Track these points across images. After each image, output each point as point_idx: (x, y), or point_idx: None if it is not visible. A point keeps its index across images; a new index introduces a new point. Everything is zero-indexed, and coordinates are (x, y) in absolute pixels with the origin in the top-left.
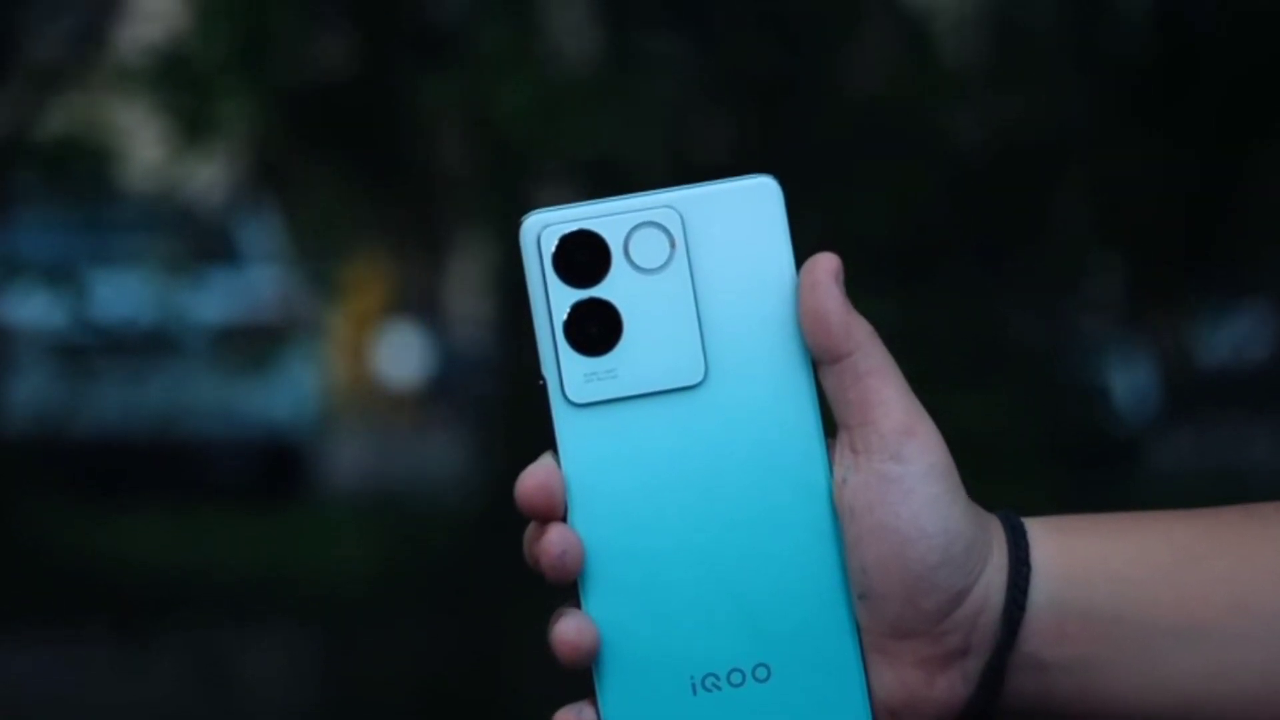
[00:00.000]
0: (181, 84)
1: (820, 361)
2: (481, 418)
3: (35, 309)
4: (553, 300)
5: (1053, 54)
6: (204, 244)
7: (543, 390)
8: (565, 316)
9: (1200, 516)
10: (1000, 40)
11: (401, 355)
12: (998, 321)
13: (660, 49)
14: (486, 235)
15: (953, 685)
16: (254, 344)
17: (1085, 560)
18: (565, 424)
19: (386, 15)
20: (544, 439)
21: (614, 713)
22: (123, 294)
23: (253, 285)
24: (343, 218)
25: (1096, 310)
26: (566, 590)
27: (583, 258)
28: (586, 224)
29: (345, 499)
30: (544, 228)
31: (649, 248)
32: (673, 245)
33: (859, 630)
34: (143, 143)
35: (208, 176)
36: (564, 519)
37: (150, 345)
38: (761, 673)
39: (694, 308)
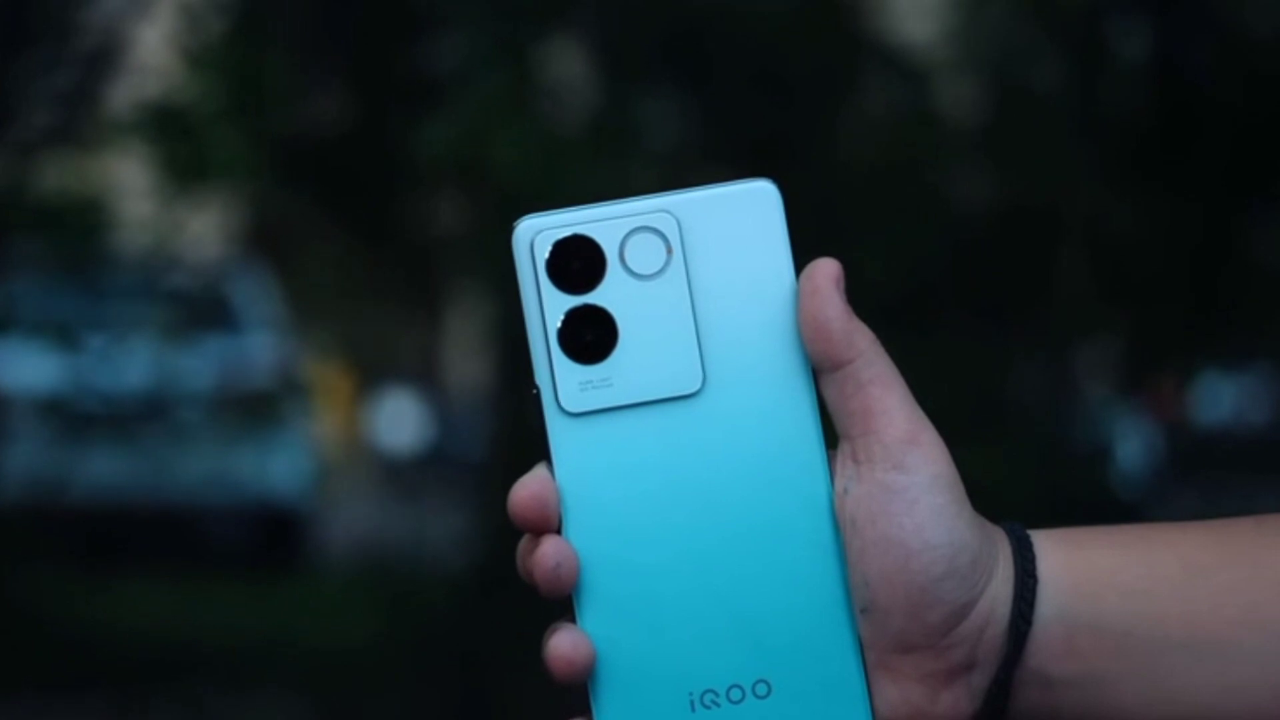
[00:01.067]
0: (175, 135)
1: (821, 369)
2: (478, 483)
3: (30, 374)
4: (546, 307)
5: (1053, 113)
6: (200, 310)
7: (536, 399)
8: (559, 324)
9: (1210, 528)
10: (1001, 100)
11: (397, 422)
12: (1000, 377)
13: (658, 102)
14: (483, 290)
15: (957, 701)
16: (250, 410)
17: (1094, 573)
18: (559, 434)
19: (381, 66)
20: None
21: None
22: (118, 360)
23: (249, 351)
24: (339, 280)
25: (1099, 369)
26: (562, 612)
27: (577, 263)
28: (581, 229)
29: (342, 566)
30: (537, 233)
31: (645, 253)
32: (669, 251)
33: (861, 645)
34: (139, 206)
35: (203, 241)
36: (558, 531)
37: (146, 411)
38: (761, 689)
39: (691, 315)
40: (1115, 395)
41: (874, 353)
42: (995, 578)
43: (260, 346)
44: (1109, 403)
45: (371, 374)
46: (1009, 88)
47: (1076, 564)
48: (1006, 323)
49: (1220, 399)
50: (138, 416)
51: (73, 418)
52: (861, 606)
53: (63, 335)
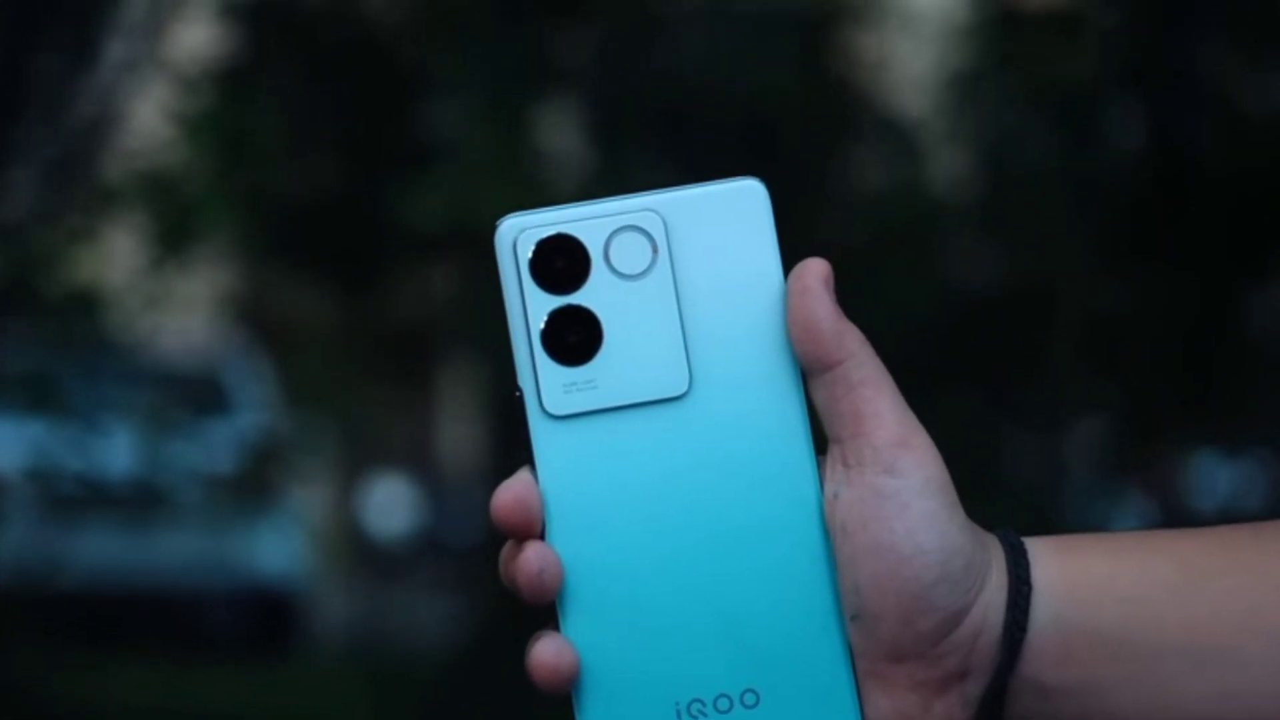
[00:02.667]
0: (164, 198)
1: (810, 371)
2: (470, 564)
3: (22, 455)
4: (529, 308)
5: (1048, 189)
6: (192, 392)
7: (519, 402)
8: (542, 325)
9: (1208, 534)
10: (995, 176)
11: (389, 507)
12: (991, 452)
13: (650, 167)
14: (476, 360)
15: (950, 710)
16: (242, 493)
17: (1090, 579)
18: (543, 437)
19: (372, 131)
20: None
21: None
22: (112, 442)
23: (241, 433)
24: (332, 361)
25: (1092, 447)
26: (546, 616)
27: (561, 263)
28: (565, 228)
29: (334, 649)
30: (520, 232)
31: (630, 253)
32: (655, 250)
33: (852, 653)
34: (132, 287)
35: (195, 323)
36: (541, 536)
37: (139, 494)
38: (749, 699)
39: (677, 315)
40: (1109, 474)
41: (864, 354)
42: (989, 584)
43: (253, 429)
44: (1102, 481)
45: (364, 458)
46: (1003, 164)
47: (1072, 570)
48: (999, 397)
49: (1216, 483)
50: (130, 499)
51: (66, 500)
52: (852, 613)
53: (48, 397)
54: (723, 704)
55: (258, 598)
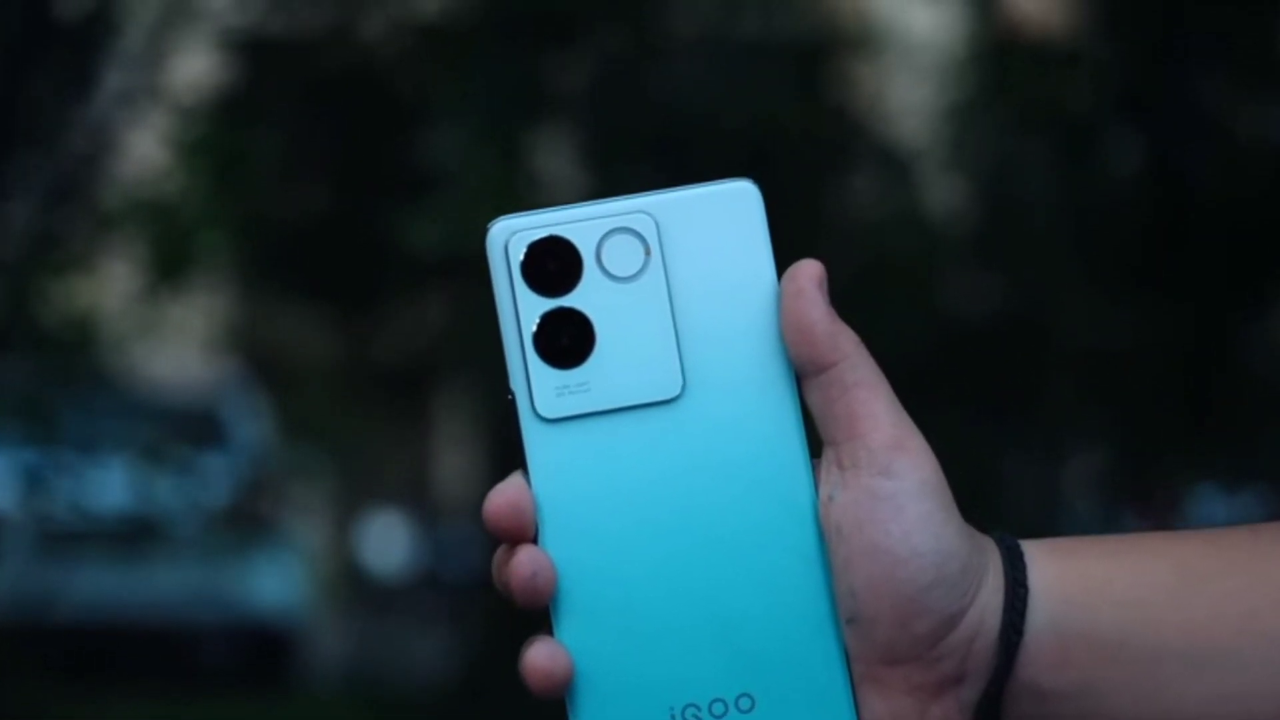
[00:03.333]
0: (160, 223)
1: (804, 373)
2: (466, 601)
3: (19, 491)
4: (521, 310)
5: (1046, 219)
6: (189, 427)
7: (511, 404)
8: (534, 327)
9: (1205, 537)
10: (993, 205)
11: (386, 542)
12: (989, 482)
13: (645, 189)
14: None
15: (947, 715)
16: (238, 528)
17: (1087, 582)
18: (535, 440)
19: (369, 158)
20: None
21: None
22: (107, 477)
23: (238, 468)
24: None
25: (1091, 477)
26: (538, 618)
27: (553, 265)
28: (557, 230)
29: (330, 685)
30: (512, 234)
31: (622, 255)
32: (647, 252)
33: (847, 657)
34: (129, 321)
35: (192, 356)
36: (534, 540)
37: (135, 528)
38: (745, 703)
39: (670, 318)
40: (1107, 505)
41: (858, 356)
42: (985, 587)
43: (249, 463)
44: (1100, 513)
45: (361, 493)
46: (1000, 193)
47: (1069, 573)
48: (998, 427)
49: (1215, 515)
50: (127, 532)
51: (62, 533)
52: (848, 616)
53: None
54: (718, 708)
55: (254, 632)
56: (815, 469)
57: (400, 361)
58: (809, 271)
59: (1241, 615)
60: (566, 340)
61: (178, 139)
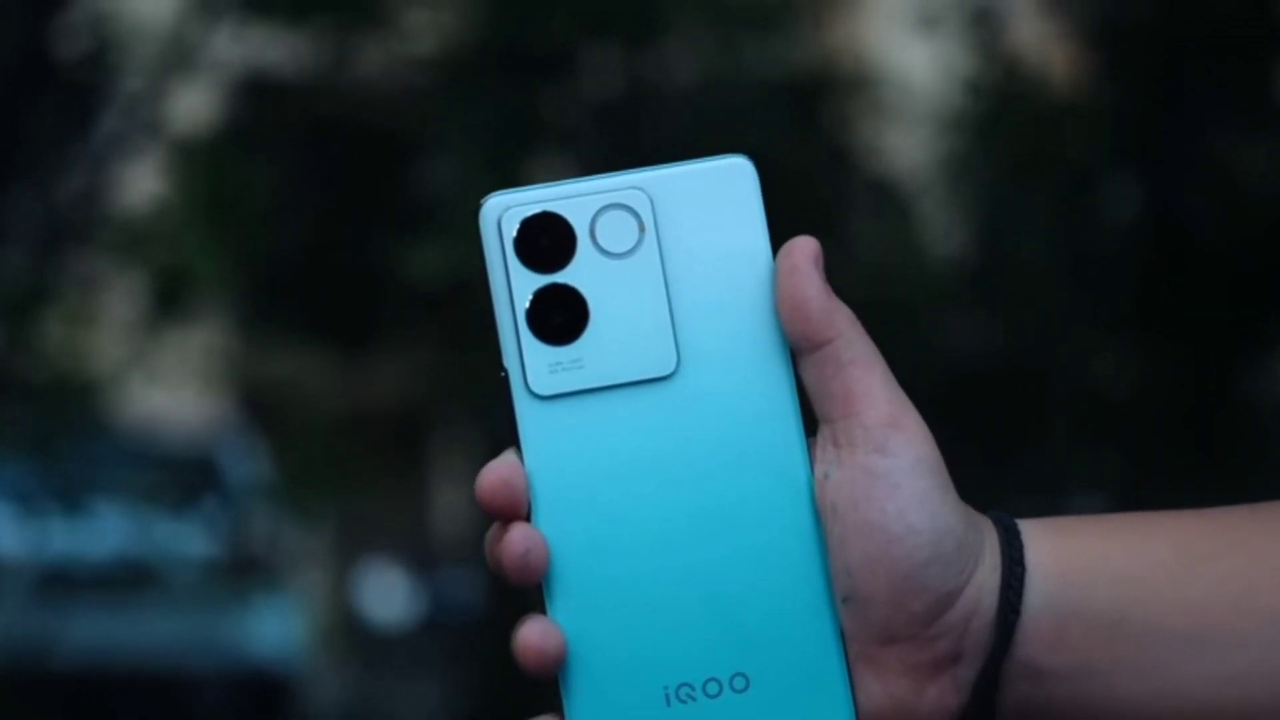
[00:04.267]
0: (158, 257)
1: (799, 351)
2: (462, 654)
3: (16, 539)
4: (514, 287)
5: (1046, 261)
6: (188, 475)
7: (504, 382)
8: (528, 304)
9: (1204, 516)
10: (992, 247)
11: (384, 591)
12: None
13: None
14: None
15: (943, 695)
16: (238, 575)
17: (1084, 560)
18: (528, 417)
19: (368, 189)
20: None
21: None
22: (106, 524)
23: (237, 516)
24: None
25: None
26: (531, 600)
27: (546, 242)
28: (550, 206)
29: None
30: (505, 210)
31: (616, 231)
32: (642, 228)
33: (843, 636)
34: (132, 374)
35: (191, 403)
36: (527, 518)
37: (134, 576)
38: (739, 682)
39: (664, 294)
40: None
41: (854, 333)
42: (982, 566)
43: (249, 512)
44: None
45: (359, 542)
46: (1000, 235)
47: (1066, 552)
48: (998, 469)
49: None
50: (124, 579)
51: (59, 580)
52: (843, 595)
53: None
54: (712, 688)
55: (252, 679)
56: (810, 447)
57: (398, 404)
58: (804, 248)
59: (1240, 594)
60: (560, 317)
61: (176, 174)
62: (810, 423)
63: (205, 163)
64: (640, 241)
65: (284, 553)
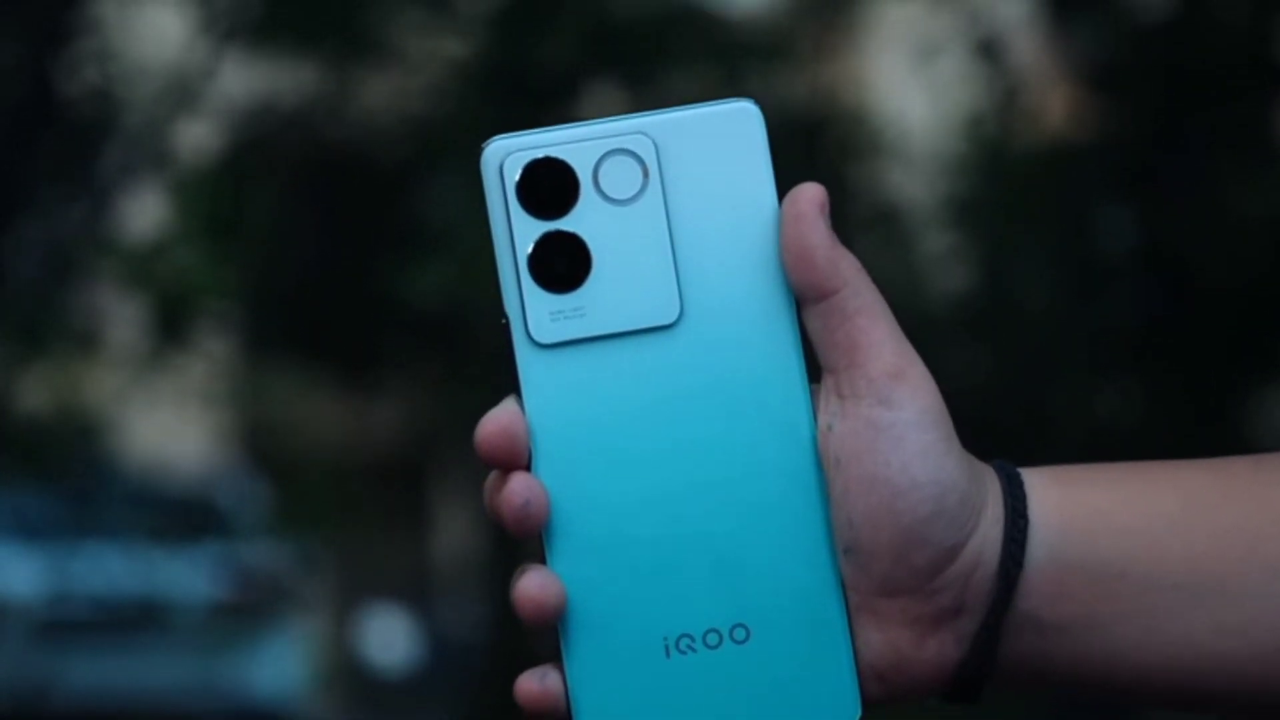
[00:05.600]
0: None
1: (804, 300)
2: (463, 699)
3: (17, 579)
4: (516, 233)
5: (1045, 301)
6: (190, 516)
7: (505, 329)
8: (529, 250)
9: (1207, 466)
10: (992, 286)
11: (386, 636)
12: None
13: None
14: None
15: (944, 647)
16: (240, 618)
17: (1087, 512)
18: (529, 366)
19: (368, 218)
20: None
21: (581, 677)
22: (108, 565)
23: (239, 558)
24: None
25: None
26: (533, 553)
27: (548, 187)
28: (553, 151)
29: None
30: (507, 155)
31: (620, 177)
32: (645, 174)
33: (844, 588)
34: (133, 414)
35: (193, 447)
36: (528, 467)
37: (135, 617)
38: (739, 634)
39: (668, 242)
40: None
41: (860, 282)
42: (985, 518)
43: (250, 553)
44: None
45: (361, 586)
46: (1000, 271)
47: (1069, 503)
48: None
49: None
50: (125, 621)
51: (60, 622)
52: (845, 547)
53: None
54: (712, 639)
55: None
56: (814, 396)
57: (398, 446)
58: (810, 195)
59: (1245, 545)
60: (562, 264)
61: (179, 201)
62: (814, 371)
63: (208, 190)
64: (644, 187)
65: (285, 594)
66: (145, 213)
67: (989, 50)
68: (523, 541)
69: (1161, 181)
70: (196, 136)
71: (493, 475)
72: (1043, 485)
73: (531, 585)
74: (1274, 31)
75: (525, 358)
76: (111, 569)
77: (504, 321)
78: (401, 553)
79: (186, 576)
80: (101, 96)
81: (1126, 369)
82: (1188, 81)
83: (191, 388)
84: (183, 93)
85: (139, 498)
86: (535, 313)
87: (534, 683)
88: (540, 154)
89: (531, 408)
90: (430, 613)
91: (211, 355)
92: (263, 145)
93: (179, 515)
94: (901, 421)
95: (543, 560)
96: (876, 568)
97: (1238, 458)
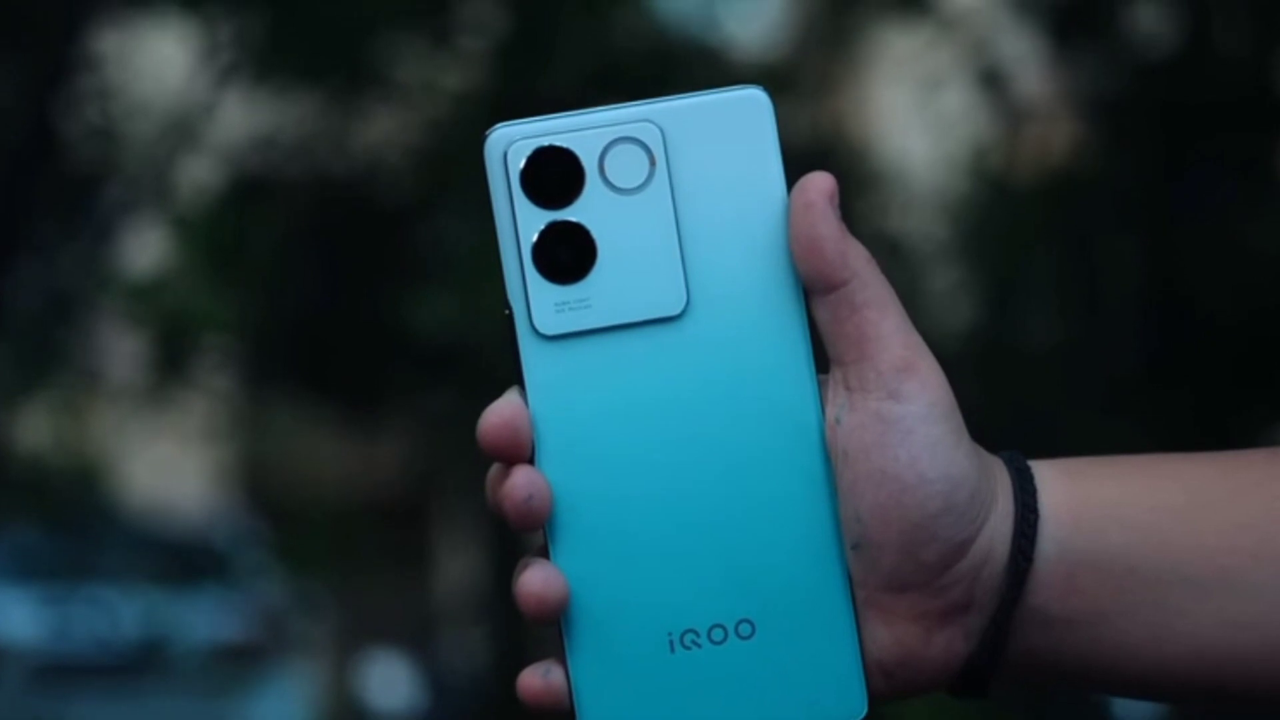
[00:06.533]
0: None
1: (812, 291)
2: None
3: (19, 624)
4: (520, 223)
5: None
6: (191, 560)
7: (509, 321)
8: (534, 240)
9: (1219, 459)
10: (996, 323)
11: (387, 682)
12: None
13: None
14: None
15: (952, 642)
16: (241, 662)
17: (1098, 506)
18: (533, 358)
19: (371, 247)
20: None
21: (584, 672)
22: (109, 609)
23: (240, 602)
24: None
25: None
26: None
27: (553, 176)
28: (558, 139)
29: None
30: (511, 143)
31: (626, 166)
32: (652, 163)
33: (851, 583)
34: (134, 454)
35: (195, 489)
36: (531, 461)
37: (136, 661)
38: (745, 629)
39: (675, 232)
40: None
41: (869, 274)
42: (994, 512)
43: (252, 596)
44: None
45: (362, 631)
46: (1005, 313)
47: (1079, 497)
48: None
49: None
50: (127, 665)
51: (62, 666)
52: (853, 542)
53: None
54: (717, 634)
55: None
56: (822, 389)
57: (400, 484)
58: (820, 184)
59: (1256, 539)
60: (567, 255)
61: (180, 236)
62: (822, 361)
63: (210, 225)
64: (650, 176)
65: (287, 637)
66: (147, 248)
67: (992, 82)
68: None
69: (1166, 215)
70: (198, 171)
71: (495, 468)
72: (1053, 478)
73: (534, 580)
74: (1278, 65)
75: (529, 350)
76: (112, 611)
77: (507, 312)
78: (403, 595)
79: (188, 619)
80: (102, 135)
81: (1133, 405)
82: (1192, 116)
83: (192, 426)
84: (184, 130)
85: (140, 539)
86: (539, 304)
87: (537, 678)
88: (545, 142)
89: (535, 400)
90: (432, 656)
91: (213, 391)
92: (265, 180)
93: (180, 557)
94: (910, 415)
95: (546, 555)
96: (884, 563)
97: (1249, 450)
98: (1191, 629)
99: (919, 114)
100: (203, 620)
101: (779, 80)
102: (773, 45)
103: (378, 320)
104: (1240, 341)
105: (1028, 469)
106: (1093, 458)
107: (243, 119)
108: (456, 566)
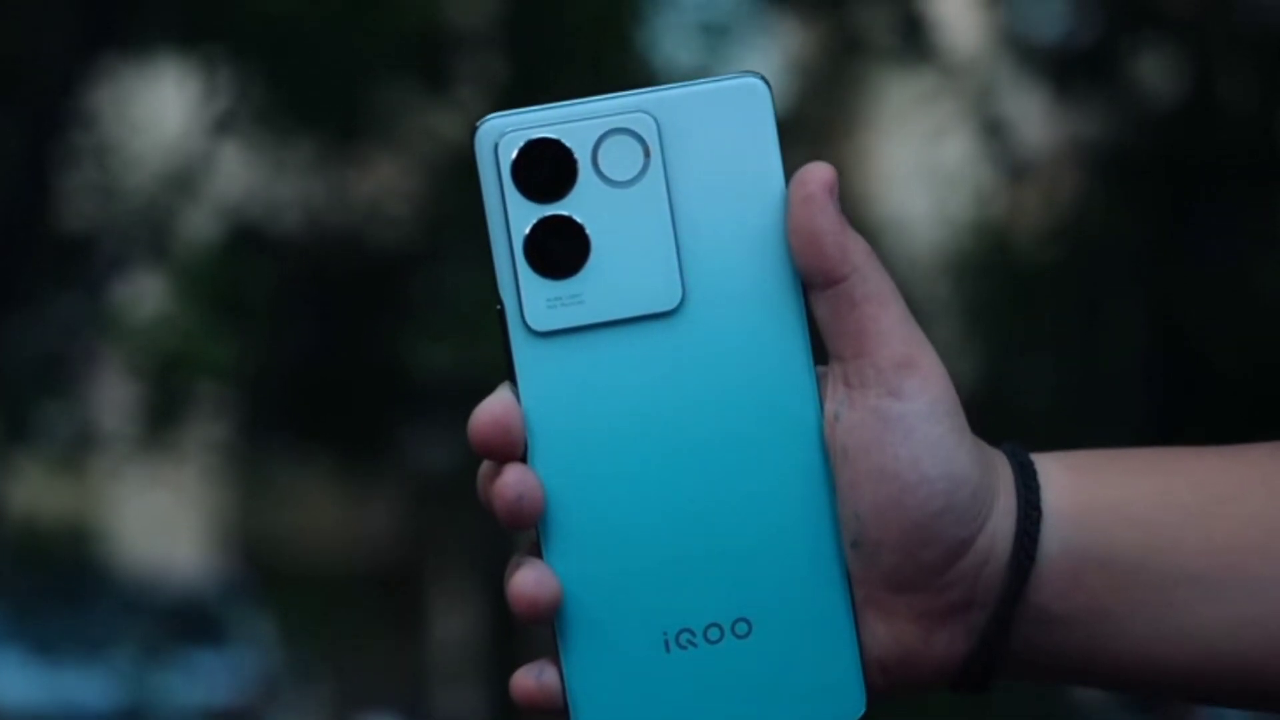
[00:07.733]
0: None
1: (811, 286)
2: None
3: (14, 689)
4: (511, 217)
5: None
6: (187, 626)
7: (500, 316)
8: (525, 235)
9: (1225, 454)
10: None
11: None
12: None
13: None
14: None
15: (952, 641)
16: None
17: (1102, 503)
18: (525, 354)
19: (370, 293)
20: None
21: (578, 673)
22: (102, 674)
23: (234, 667)
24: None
25: None
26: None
27: (545, 169)
28: (550, 131)
29: None
30: (502, 135)
31: (620, 157)
32: (647, 155)
33: (850, 581)
34: (128, 515)
35: (191, 551)
36: (523, 458)
37: None
38: (741, 628)
39: (670, 225)
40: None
41: (870, 268)
42: (996, 510)
43: (246, 661)
44: (1118, 709)
45: (357, 696)
46: (1009, 368)
47: (1084, 493)
48: None
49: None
50: None
51: None
52: (852, 541)
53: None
54: (713, 634)
55: None
56: (821, 385)
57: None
58: (819, 176)
59: (1263, 536)
60: (559, 249)
61: (176, 287)
62: (821, 355)
63: (207, 275)
64: (645, 168)
65: (281, 703)
66: (143, 298)
67: (995, 132)
68: (524, 640)
69: (1172, 267)
70: (196, 221)
71: (486, 466)
72: (1057, 473)
73: (526, 581)
74: None
75: (521, 346)
76: (106, 676)
77: (499, 308)
78: (398, 656)
79: (180, 682)
80: (99, 189)
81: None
82: (1197, 168)
83: (188, 476)
84: (182, 181)
85: (133, 601)
86: (531, 299)
87: (530, 679)
88: (537, 134)
89: (527, 397)
90: (427, 718)
91: (209, 440)
92: (262, 229)
93: (173, 619)
94: (911, 413)
95: (538, 554)
96: (884, 562)
97: (1255, 445)
98: (1197, 627)
99: (920, 166)
100: (195, 684)
101: (778, 131)
102: (774, 94)
103: (374, 368)
104: (1248, 395)
105: (1030, 464)
106: (1096, 451)
107: (240, 168)
108: (452, 626)
